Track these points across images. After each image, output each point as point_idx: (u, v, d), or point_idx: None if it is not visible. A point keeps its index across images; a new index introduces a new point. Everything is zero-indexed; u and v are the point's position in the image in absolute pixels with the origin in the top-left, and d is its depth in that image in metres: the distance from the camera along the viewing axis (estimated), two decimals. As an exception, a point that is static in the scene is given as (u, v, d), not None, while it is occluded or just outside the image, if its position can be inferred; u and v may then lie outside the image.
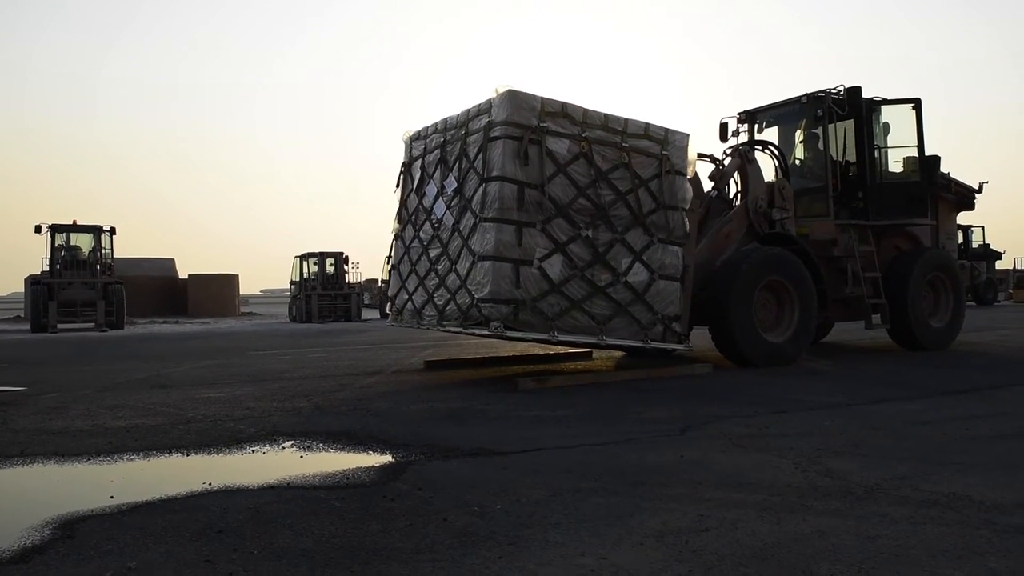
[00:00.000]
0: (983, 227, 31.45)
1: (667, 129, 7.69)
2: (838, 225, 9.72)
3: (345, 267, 30.12)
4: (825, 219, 9.69)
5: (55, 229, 23.61)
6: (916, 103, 10.04)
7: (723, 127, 10.66)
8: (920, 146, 10.05)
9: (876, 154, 10.00)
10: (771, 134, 10.91)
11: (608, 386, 7.09)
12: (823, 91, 9.68)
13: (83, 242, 24.41)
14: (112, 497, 3.43)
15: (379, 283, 34.42)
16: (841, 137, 9.94)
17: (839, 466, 3.77)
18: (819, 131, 10.05)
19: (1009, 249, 44.06)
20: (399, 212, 8.62)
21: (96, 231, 24.19)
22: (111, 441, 4.79)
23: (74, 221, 24.11)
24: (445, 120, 7.82)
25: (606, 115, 7.35)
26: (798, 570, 2.41)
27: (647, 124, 7.59)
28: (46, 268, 23.43)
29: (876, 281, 9.76)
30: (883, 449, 4.19)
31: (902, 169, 10.28)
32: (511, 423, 5.27)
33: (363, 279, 35.39)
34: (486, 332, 6.94)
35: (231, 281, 39.64)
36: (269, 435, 4.95)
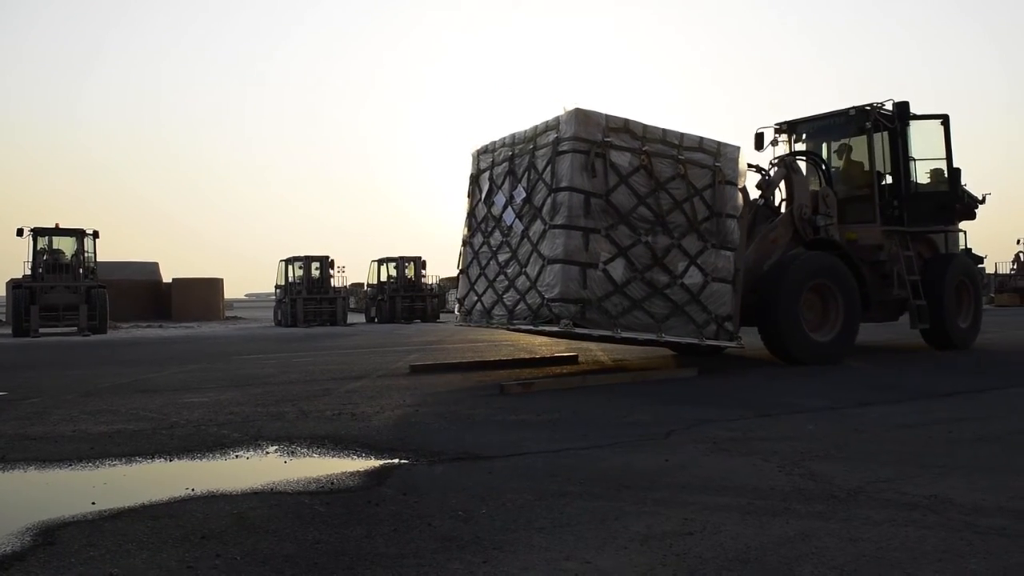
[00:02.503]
0: (964, 232, 31.71)
1: (719, 142, 8.27)
2: (883, 231, 10.35)
3: (331, 271, 30.08)
4: (871, 225, 10.35)
5: (37, 232, 23.42)
6: (944, 119, 10.75)
7: (759, 137, 11.32)
8: (949, 159, 10.76)
9: (910, 165, 10.69)
10: (810, 144, 11.56)
11: (594, 390, 7.10)
12: (870, 105, 10.37)
13: (66, 246, 24.22)
14: (94, 503, 3.40)
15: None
16: (880, 148, 10.61)
17: (823, 469, 3.79)
18: (863, 142, 10.69)
19: (991, 254, 44.42)
20: (468, 220, 9.17)
21: (79, 234, 24.01)
22: (93, 447, 4.75)
23: (56, 224, 23.93)
24: (513, 135, 8.47)
25: (664, 130, 7.96)
26: (781, 573, 2.42)
27: (701, 138, 8.16)
28: (28, 272, 23.22)
29: (916, 284, 10.33)
30: (866, 452, 4.22)
31: (929, 180, 10.99)
32: (496, 427, 5.27)
33: (348, 283, 35.33)
34: (556, 329, 7.56)
35: (215, 285, 39.46)
36: (253, 440, 4.92)
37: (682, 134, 8.03)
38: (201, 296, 37.50)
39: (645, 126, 7.84)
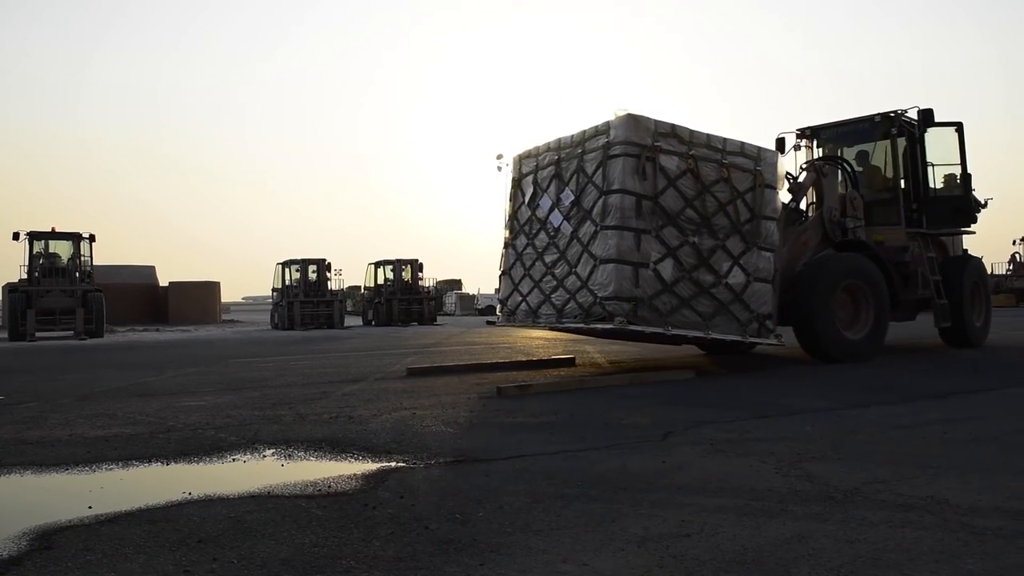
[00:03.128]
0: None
1: (759, 147, 8.62)
2: (908, 233, 10.70)
3: (327, 274, 30.07)
4: (896, 227, 10.68)
5: (34, 236, 23.37)
6: (959, 126, 11.20)
7: (780, 142, 11.74)
8: (963, 164, 11.23)
9: (928, 170, 11.10)
10: (831, 149, 11.95)
11: (591, 393, 7.11)
12: (894, 112, 10.79)
13: (62, 249, 24.18)
14: (90, 507, 3.40)
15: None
16: (901, 153, 11.05)
17: (819, 470, 3.80)
18: (883, 147, 11.21)
19: (985, 255, 44.41)
20: (510, 223, 9.46)
21: (75, 238, 23.98)
22: (89, 451, 4.75)
23: (53, 228, 23.89)
24: (559, 140, 8.72)
25: (708, 135, 8.26)
26: (778, 574, 2.43)
27: (743, 143, 8.48)
28: (24, 276, 23.17)
29: (938, 284, 10.68)
30: (863, 453, 4.22)
31: (943, 184, 11.39)
32: (493, 430, 5.27)
33: (345, 286, 35.29)
34: (609, 327, 7.82)
35: (212, 288, 39.46)
36: (250, 444, 4.92)
37: (725, 139, 8.31)
38: (198, 299, 37.48)
39: (691, 131, 8.14)
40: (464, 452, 4.47)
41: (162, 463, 4.43)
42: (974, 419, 5.30)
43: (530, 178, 9.09)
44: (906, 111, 10.80)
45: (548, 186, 8.71)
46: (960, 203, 11.22)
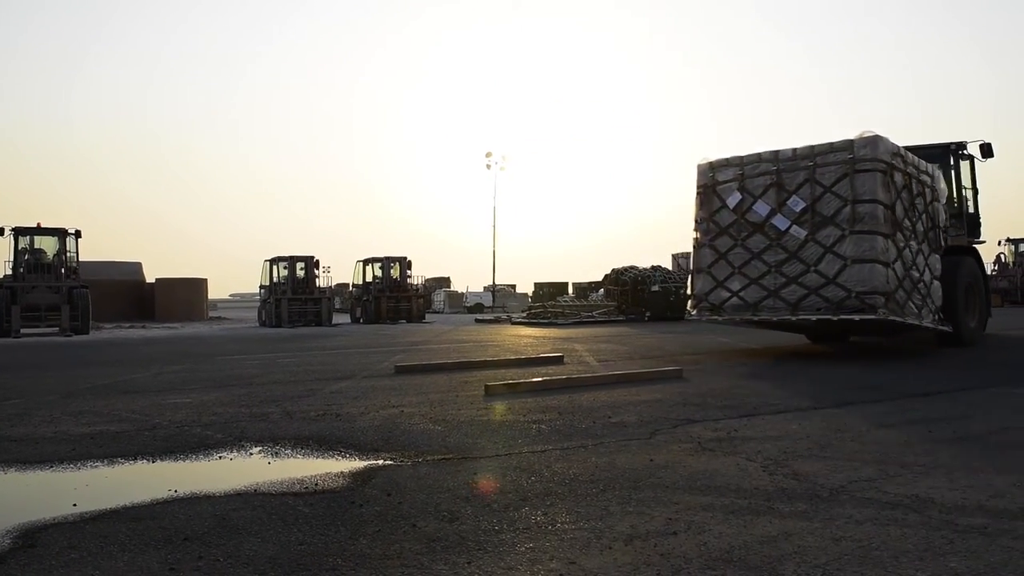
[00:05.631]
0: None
1: (935, 168, 10.63)
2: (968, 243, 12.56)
3: (316, 271, 29.95)
4: (961, 237, 12.35)
5: (18, 232, 23.18)
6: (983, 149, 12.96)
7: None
8: (974, 185, 13.12)
9: (963, 191, 13.03)
10: None
11: (579, 391, 7.11)
12: (960, 142, 12.70)
13: (47, 245, 23.98)
14: (75, 505, 3.38)
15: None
16: (965, 176, 12.98)
17: (805, 469, 3.82)
18: (952, 170, 12.81)
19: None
20: (705, 225, 10.34)
21: (61, 234, 23.80)
22: (74, 448, 4.71)
23: (38, 224, 23.69)
24: (774, 152, 9.86)
25: (915, 157, 10.05)
26: (764, 572, 2.44)
27: (927, 163, 10.46)
28: (9, 272, 22.98)
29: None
30: (848, 452, 4.24)
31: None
32: (481, 428, 5.26)
33: (333, 283, 35.19)
34: (871, 317, 8.96)
35: (199, 285, 39.21)
36: (237, 441, 4.90)
37: (919, 159, 10.16)
38: (185, 296, 37.24)
39: (909, 153, 9.85)
40: (452, 450, 4.47)
41: (148, 461, 4.41)
42: (959, 418, 5.34)
43: (731, 185, 10.12)
44: (966, 143, 12.68)
45: (763, 193, 9.81)
46: (974, 219, 13.06)
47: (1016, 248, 35.21)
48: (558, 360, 9.94)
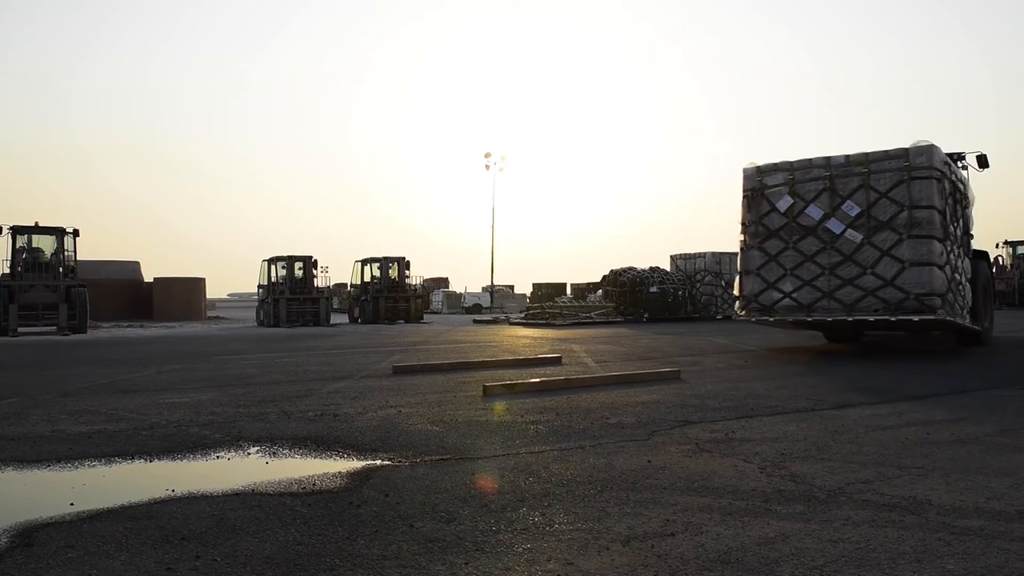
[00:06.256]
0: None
1: (967, 176, 11.63)
2: None
3: (314, 271, 29.92)
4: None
5: (16, 231, 23.13)
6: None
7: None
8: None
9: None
10: None
11: (576, 392, 7.11)
12: (958, 153, 12.80)
13: (45, 244, 23.92)
14: (72, 504, 3.37)
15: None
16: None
17: (803, 470, 3.82)
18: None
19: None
20: (753, 228, 10.75)
21: (59, 233, 23.74)
22: (72, 447, 4.71)
23: (36, 222, 23.64)
24: (826, 158, 10.33)
25: (954, 165, 10.68)
26: (761, 573, 2.44)
27: (962, 172, 11.18)
28: (7, 270, 22.94)
29: None
30: (846, 454, 4.25)
31: None
32: (479, 428, 5.26)
33: (332, 283, 35.15)
34: (930, 317, 9.52)
35: (197, 284, 39.16)
36: (234, 441, 4.90)
37: (956, 166, 10.86)
38: (183, 296, 37.19)
39: (951, 162, 10.47)
40: (450, 450, 4.47)
41: (145, 460, 4.40)
42: (957, 420, 5.35)
43: (780, 189, 10.58)
44: (964, 154, 12.95)
45: (815, 197, 10.28)
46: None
47: (1014, 251, 35.22)
48: (556, 361, 9.94)
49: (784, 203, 10.48)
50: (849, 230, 9.96)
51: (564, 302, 30.54)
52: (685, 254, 28.58)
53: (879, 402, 6.26)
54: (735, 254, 27.43)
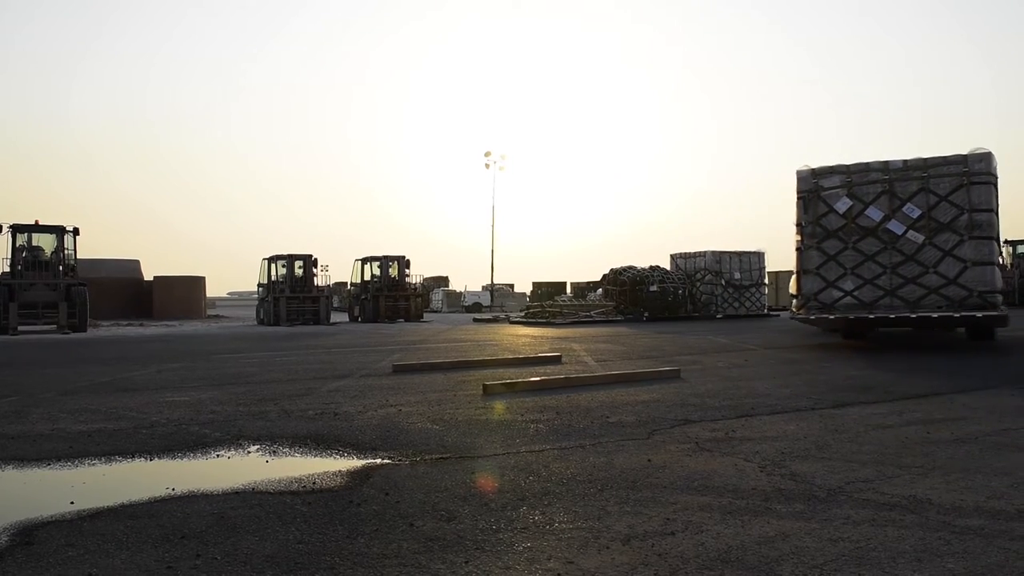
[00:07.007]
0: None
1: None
2: None
3: (314, 270, 29.91)
4: None
5: (16, 229, 23.12)
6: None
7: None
8: None
9: None
10: None
11: (576, 391, 7.11)
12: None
13: (45, 242, 23.91)
14: (73, 503, 3.37)
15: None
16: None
17: (803, 469, 3.82)
18: None
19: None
20: (810, 228, 11.14)
21: (59, 231, 23.74)
22: (72, 446, 4.71)
23: (36, 221, 23.64)
24: (884, 163, 10.94)
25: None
26: (761, 572, 2.44)
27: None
28: (7, 269, 22.93)
29: None
30: (846, 453, 4.25)
31: None
32: (479, 427, 5.26)
33: (332, 282, 35.14)
34: (994, 314, 10.30)
35: (197, 283, 39.15)
36: (234, 439, 4.90)
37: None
38: (183, 294, 37.18)
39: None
40: (450, 449, 4.47)
41: (145, 459, 4.40)
42: (956, 419, 5.35)
43: (838, 191, 11.03)
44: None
45: (874, 200, 10.84)
46: None
47: (1014, 250, 35.19)
48: (556, 360, 9.94)
49: (843, 205, 10.99)
50: (910, 231, 10.55)
51: (564, 301, 30.56)
52: (685, 253, 28.57)
53: (879, 401, 6.26)
54: (735, 253, 27.81)
